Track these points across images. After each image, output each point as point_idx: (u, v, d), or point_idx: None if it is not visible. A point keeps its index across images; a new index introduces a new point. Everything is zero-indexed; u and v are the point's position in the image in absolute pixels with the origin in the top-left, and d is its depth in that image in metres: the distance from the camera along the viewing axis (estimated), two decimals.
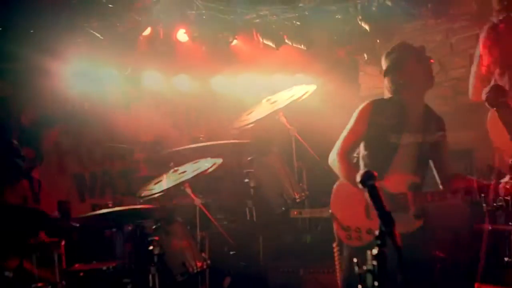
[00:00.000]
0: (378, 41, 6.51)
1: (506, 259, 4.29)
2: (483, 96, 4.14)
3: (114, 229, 5.01)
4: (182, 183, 4.84)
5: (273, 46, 6.32)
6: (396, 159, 3.73)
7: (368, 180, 2.16)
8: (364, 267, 2.05)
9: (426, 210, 3.70)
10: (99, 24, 5.66)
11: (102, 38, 5.67)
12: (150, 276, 4.42)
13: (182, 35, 6.08)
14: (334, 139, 3.92)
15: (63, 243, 4.53)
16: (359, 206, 3.71)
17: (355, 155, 3.97)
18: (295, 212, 4.92)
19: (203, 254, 4.98)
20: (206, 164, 5.01)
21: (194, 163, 5.18)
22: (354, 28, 6.15)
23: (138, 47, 5.78)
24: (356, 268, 2.11)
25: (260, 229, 5.28)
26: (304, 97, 5.28)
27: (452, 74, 6.43)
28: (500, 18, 4.24)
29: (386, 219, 2.07)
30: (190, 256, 4.77)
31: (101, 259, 4.76)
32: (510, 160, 3.71)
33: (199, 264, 4.79)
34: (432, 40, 6.55)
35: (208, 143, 5.69)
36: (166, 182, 4.95)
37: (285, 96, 5.51)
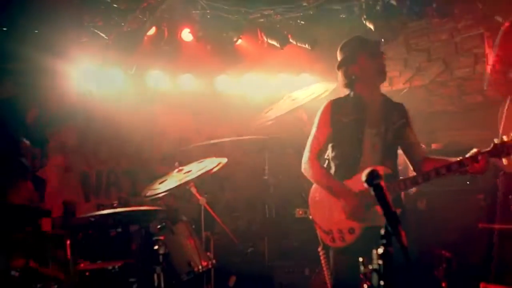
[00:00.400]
0: (382, 40, 6.48)
1: None
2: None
3: (119, 229, 5.01)
4: (187, 182, 4.84)
5: (278, 45, 6.31)
6: (364, 154, 3.75)
7: (373, 179, 2.14)
8: (370, 267, 2.05)
9: (402, 198, 3.77)
10: (104, 24, 5.67)
11: (106, 37, 5.68)
12: (156, 276, 4.41)
13: (186, 34, 6.08)
14: None
15: (68, 242, 4.55)
16: (336, 208, 3.71)
17: (326, 156, 3.98)
18: (300, 212, 4.91)
19: (208, 253, 4.99)
20: (211, 164, 5.02)
21: (199, 162, 5.19)
22: (358, 27, 6.14)
23: (142, 47, 5.78)
24: (362, 268, 2.12)
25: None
26: (323, 95, 5.17)
27: (457, 73, 6.39)
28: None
29: (392, 218, 2.07)
30: (195, 256, 4.77)
31: (106, 259, 4.76)
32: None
33: (204, 263, 4.79)
34: (437, 39, 6.52)
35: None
36: (170, 181, 4.96)
37: (304, 94, 5.49)
